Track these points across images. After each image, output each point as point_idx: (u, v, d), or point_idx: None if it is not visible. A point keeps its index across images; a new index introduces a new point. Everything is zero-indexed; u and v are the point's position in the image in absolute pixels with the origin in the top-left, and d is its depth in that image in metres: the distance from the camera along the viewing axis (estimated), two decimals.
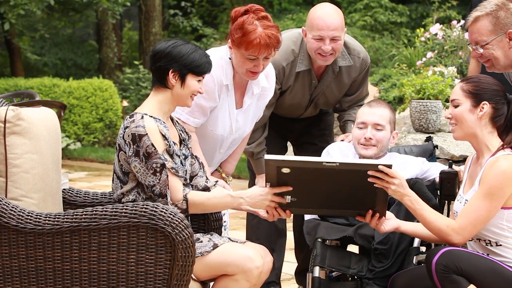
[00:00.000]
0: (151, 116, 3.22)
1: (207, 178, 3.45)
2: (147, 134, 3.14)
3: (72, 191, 3.62)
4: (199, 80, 3.31)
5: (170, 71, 3.25)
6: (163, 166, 3.14)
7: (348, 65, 4.33)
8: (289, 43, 4.24)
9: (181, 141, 3.40)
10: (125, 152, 3.20)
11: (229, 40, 3.67)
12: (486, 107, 3.24)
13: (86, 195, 3.61)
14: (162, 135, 3.20)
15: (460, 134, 3.31)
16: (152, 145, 3.14)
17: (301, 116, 4.58)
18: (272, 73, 3.98)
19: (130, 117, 3.22)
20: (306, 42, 4.21)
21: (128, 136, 3.17)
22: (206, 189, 3.43)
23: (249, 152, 4.38)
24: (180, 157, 3.29)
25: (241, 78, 3.77)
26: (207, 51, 3.41)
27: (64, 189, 3.58)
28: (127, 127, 3.19)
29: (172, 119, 3.44)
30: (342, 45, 4.19)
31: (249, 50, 3.58)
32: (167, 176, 3.15)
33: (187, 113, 3.72)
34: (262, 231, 4.51)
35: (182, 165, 3.28)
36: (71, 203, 3.58)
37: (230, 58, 3.73)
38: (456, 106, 3.29)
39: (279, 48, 3.64)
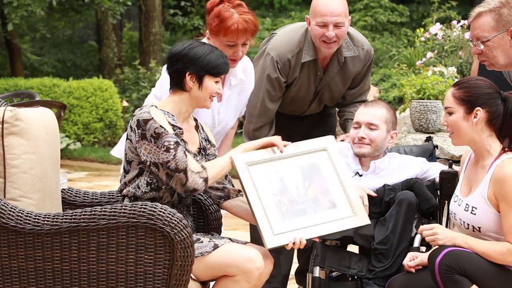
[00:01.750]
0: (161, 110, 3.23)
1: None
2: (152, 118, 3.15)
3: (71, 191, 3.61)
4: (217, 81, 3.31)
5: (187, 73, 3.25)
6: (177, 143, 3.12)
7: (353, 55, 4.33)
8: (293, 35, 4.26)
9: (200, 150, 3.39)
10: (131, 141, 3.21)
11: (207, 31, 3.74)
12: (480, 113, 3.19)
13: (86, 195, 3.61)
14: (170, 124, 3.20)
15: (458, 141, 3.28)
16: (161, 126, 3.13)
17: (305, 113, 4.57)
18: (250, 67, 4.03)
19: (139, 108, 3.24)
20: (310, 30, 4.22)
21: (134, 122, 3.18)
22: (228, 194, 3.45)
23: None
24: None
25: None
26: None
27: (63, 189, 3.58)
28: (134, 115, 3.21)
29: (197, 126, 3.44)
30: (346, 32, 4.19)
31: (228, 36, 3.65)
32: (184, 152, 3.13)
33: None
34: None
35: None
36: (70, 203, 3.57)
37: None
38: (450, 114, 3.25)
39: (256, 33, 3.70)
